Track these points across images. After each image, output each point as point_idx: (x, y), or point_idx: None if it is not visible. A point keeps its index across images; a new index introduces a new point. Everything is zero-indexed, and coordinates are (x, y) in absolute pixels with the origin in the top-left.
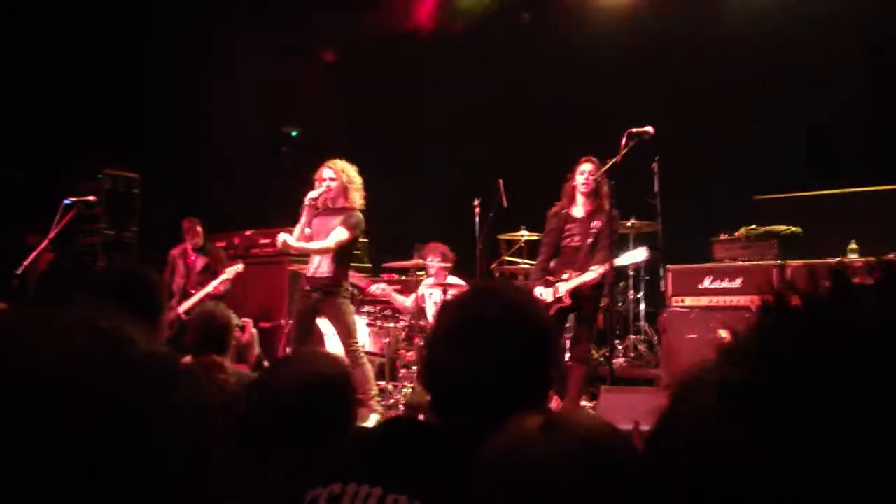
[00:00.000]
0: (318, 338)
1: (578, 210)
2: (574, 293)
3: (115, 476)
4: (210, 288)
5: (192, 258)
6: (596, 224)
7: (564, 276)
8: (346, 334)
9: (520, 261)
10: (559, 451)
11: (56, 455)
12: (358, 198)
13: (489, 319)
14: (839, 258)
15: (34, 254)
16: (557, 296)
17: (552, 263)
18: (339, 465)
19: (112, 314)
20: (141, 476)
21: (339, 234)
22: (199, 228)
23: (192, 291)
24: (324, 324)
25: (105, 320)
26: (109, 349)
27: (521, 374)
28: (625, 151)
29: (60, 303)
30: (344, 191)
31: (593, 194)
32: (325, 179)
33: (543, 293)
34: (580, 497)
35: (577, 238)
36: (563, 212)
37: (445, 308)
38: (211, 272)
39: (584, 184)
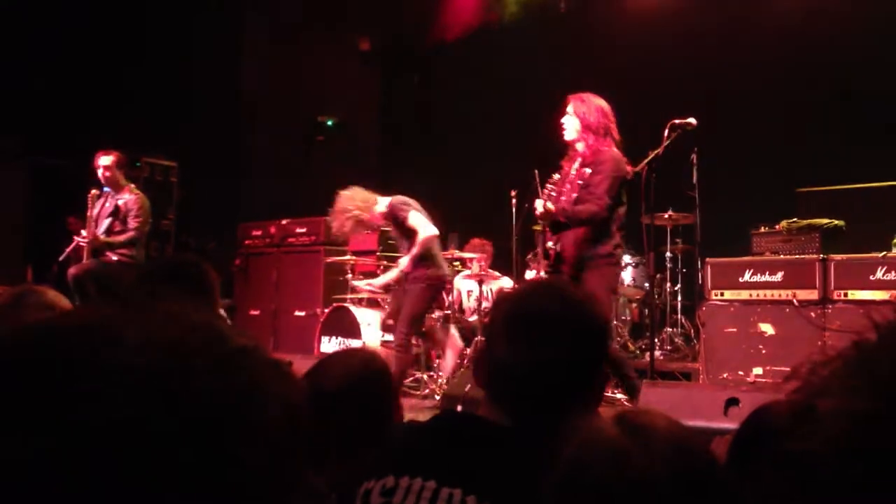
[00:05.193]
0: (354, 326)
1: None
2: (566, 258)
3: (207, 474)
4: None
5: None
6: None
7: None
8: (403, 321)
9: None
10: (658, 458)
11: (155, 454)
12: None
13: (547, 312)
14: (884, 252)
15: (75, 242)
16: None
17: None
18: (392, 458)
19: (202, 309)
20: (232, 474)
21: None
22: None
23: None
24: (360, 312)
25: (194, 314)
26: (202, 344)
27: (576, 368)
28: (667, 143)
29: (150, 298)
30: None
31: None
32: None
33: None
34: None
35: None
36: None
37: (503, 300)
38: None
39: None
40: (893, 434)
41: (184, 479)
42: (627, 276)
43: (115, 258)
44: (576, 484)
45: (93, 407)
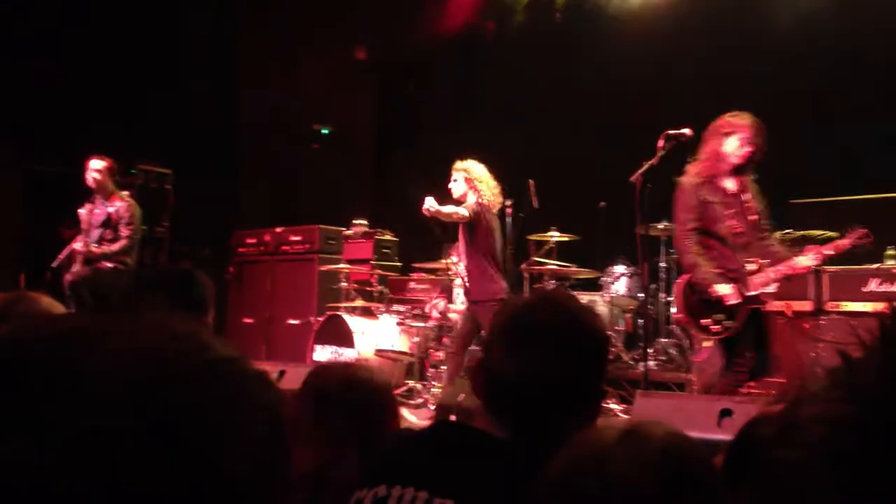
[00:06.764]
0: (348, 335)
1: (730, 182)
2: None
3: (189, 484)
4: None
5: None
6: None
7: (751, 266)
8: None
9: (549, 262)
10: (639, 461)
11: (128, 464)
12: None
13: (546, 324)
14: (877, 264)
15: (68, 248)
16: (751, 293)
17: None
18: (385, 468)
19: (185, 317)
20: (216, 484)
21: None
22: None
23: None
24: (354, 321)
25: (178, 323)
26: (183, 353)
27: (573, 381)
28: (662, 154)
29: (132, 306)
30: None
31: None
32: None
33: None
34: None
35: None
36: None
37: (503, 312)
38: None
39: (740, 155)
40: (871, 439)
41: (160, 488)
42: (622, 286)
43: (109, 265)
44: (559, 482)
45: (69, 412)
